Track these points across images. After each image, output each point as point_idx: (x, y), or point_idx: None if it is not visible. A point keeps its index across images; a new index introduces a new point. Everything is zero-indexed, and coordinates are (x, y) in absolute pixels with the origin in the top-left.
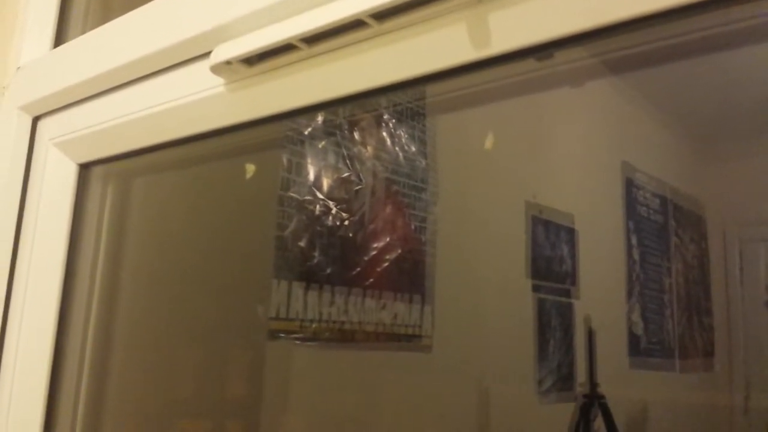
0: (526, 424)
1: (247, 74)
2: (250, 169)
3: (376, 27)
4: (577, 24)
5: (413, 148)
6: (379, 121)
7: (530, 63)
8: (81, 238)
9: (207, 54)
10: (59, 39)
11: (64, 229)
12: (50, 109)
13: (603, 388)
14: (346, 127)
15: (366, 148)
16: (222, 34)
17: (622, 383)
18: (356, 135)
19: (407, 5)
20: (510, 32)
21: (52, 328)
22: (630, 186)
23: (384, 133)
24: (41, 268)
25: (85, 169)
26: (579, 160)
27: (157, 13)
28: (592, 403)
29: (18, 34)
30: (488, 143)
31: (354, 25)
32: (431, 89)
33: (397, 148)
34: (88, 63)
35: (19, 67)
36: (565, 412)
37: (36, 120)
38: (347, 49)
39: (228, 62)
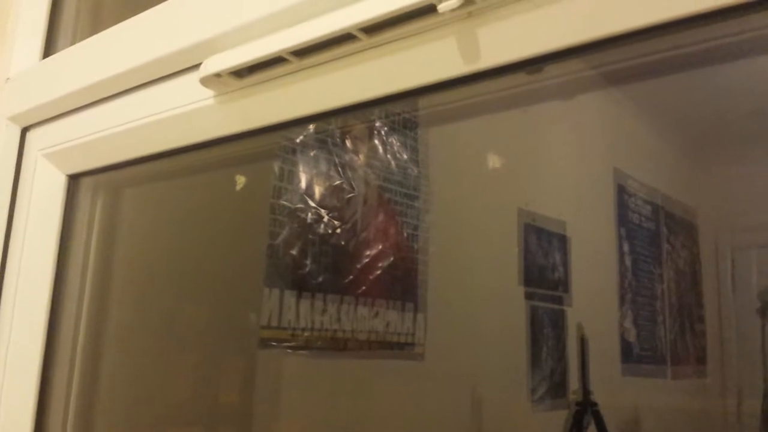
0: (519, 431)
1: (236, 86)
2: (240, 180)
3: (365, 40)
4: (567, 38)
5: (405, 156)
6: (371, 130)
7: (521, 77)
8: (70, 249)
9: (197, 66)
10: (48, 50)
11: (53, 240)
12: (39, 119)
13: (596, 396)
14: (338, 135)
15: (358, 156)
16: (212, 46)
17: (614, 390)
18: (348, 143)
19: (396, 19)
20: (499, 46)
21: (42, 339)
22: (622, 193)
23: (376, 141)
24: (30, 278)
25: (74, 180)
26: (571, 168)
27: (147, 24)
28: (585, 410)
29: (7, 44)
30: (492, 162)
31: (344, 38)
32: (423, 101)
33: (389, 156)
34: (77, 74)
35: (8, 78)
36: (558, 419)
37: (25, 131)
38: (337, 62)
39: (218, 75)
